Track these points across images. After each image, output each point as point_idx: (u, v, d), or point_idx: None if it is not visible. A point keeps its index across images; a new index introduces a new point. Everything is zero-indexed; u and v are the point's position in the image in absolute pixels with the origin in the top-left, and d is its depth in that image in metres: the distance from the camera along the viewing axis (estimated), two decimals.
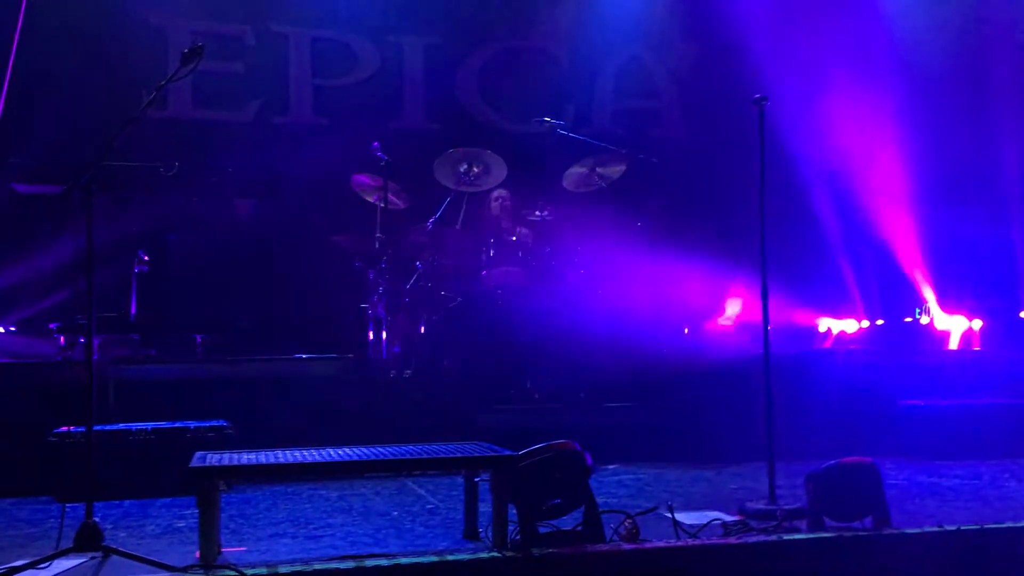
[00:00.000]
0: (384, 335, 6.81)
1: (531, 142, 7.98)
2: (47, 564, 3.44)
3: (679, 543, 3.72)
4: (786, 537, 3.80)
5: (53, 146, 6.95)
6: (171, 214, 7.06)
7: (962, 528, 3.91)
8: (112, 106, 7.32)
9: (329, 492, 5.10)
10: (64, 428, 5.05)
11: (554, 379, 6.69)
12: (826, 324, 9.27)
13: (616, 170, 7.43)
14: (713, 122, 9.16)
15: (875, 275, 9.17)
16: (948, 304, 8.73)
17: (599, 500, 3.86)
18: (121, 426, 5.25)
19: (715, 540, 3.76)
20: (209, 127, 8.46)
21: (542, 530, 3.71)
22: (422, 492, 5.09)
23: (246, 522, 4.38)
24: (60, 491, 4.87)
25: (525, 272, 7.09)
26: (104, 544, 3.58)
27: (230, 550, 3.75)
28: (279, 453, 3.93)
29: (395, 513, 4.54)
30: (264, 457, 3.83)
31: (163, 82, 3.92)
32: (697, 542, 3.74)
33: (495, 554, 3.57)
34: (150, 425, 5.25)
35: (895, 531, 3.89)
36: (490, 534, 3.75)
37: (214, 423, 5.32)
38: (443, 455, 3.89)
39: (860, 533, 3.86)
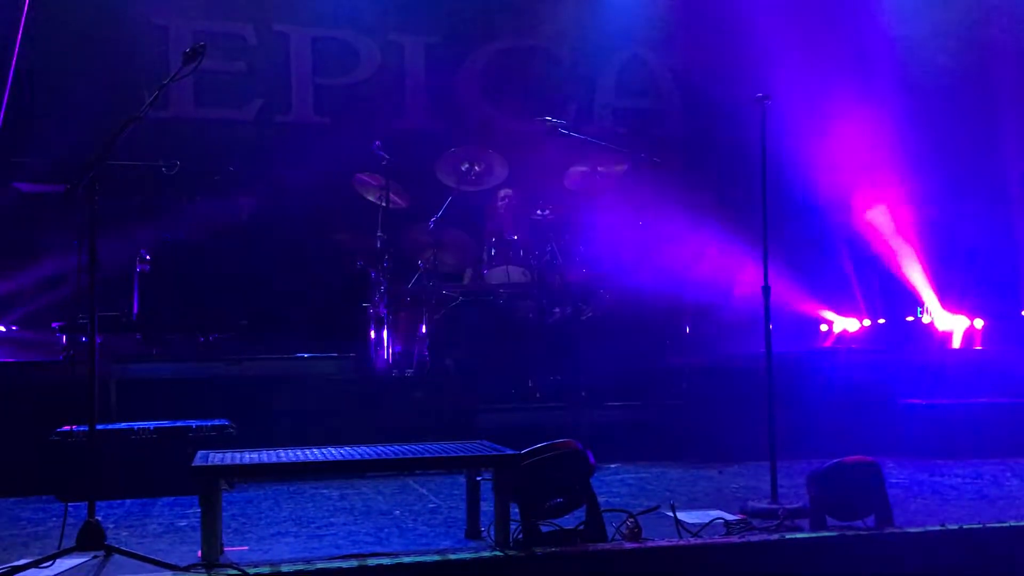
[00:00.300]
0: (386, 334, 6.81)
1: (533, 141, 7.97)
2: (50, 563, 3.45)
3: (681, 542, 3.72)
4: (788, 536, 3.80)
5: (55, 145, 6.94)
6: (173, 213, 7.05)
7: (964, 527, 3.91)
8: (114, 105, 7.32)
9: (331, 491, 5.11)
10: (66, 427, 5.06)
11: (556, 378, 6.69)
12: (830, 317, 9.26)
13: (618, 169, 7.43)
14: (715, 121, 9.15)
15: (876, 275, 9.17)
16: (950, 303, 8.72)
17: (601, 499, 3.86)
18: (123, 425, 5.25)
19: (717, 539, 3.76)
20: (211, 126, 8.47)
21: (544, 529, 3.71)
22: (424, 491, 5.09)
23: (248, 521, 4.38)
24: (62, 490, 4.88)
25: (526, 271, 7.09)
26: (106, 543, 3.58)
27: (232, 549, 3.75)
28: (281, 452, 3.93)
29: (397, 512, 4.54)
30: (266, 456, 3.83)
31: (165, 81, 3.93)
32: (699, 541, 3.74)
33: (497, 553, 3.57)
34: (152, 424, 5.26)
35: (897, 530, 3.89)
36: (492, 533, 3.75)
37: (216, 422, 5.33)
38: (445, 454, 3.89)
39: (862, 532, 3.86)
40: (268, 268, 7.86)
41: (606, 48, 9.44)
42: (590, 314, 6.96)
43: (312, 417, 5.79)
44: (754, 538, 3.76)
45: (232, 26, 8.65)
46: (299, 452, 3.94)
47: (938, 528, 3.91)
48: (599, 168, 7.39)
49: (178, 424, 5.27)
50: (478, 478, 4.00)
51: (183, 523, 4.35)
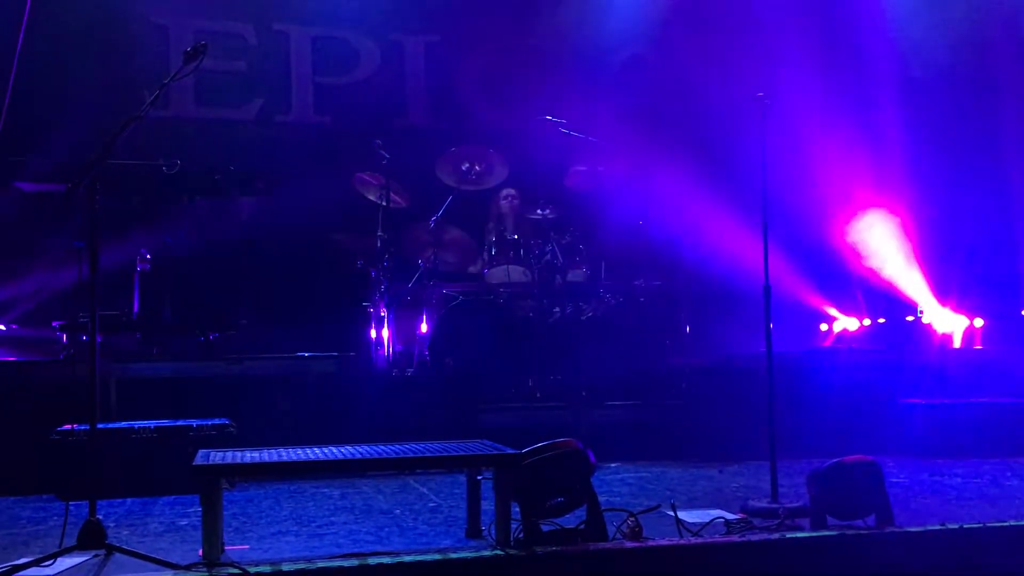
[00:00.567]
0: (386, 333, 6.81)
1: (533, 140, 7.97)
2: (51, 562, 3.45)
3: (682, 541, 3.72)
4: (789, 535, 3.80)
5: (56, 144, 6.94)
6: (173, 213, 7.05)
7: (965, 527, 3.91)
8: (114, 104, 7.31)
9: (331, 490, 5.11)
10: (67, 426, 5.06)
11: (556, 377, 6.69)
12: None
13: (618, 168, 7.43)
14: (717, 120, 9.14)
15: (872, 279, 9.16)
16: (950, 303, 8.72)
17: (601, 498, 3.87)
18: (123, 424, 5.26)
19: (718, 538, 3.76)
20: (211, 126, 8.46)
21: (545, 528, 3.71)
22: (424, 490, 5.09)
23: (249, 520, 4.38)
24: (63, 489, 4.87)
25: (527, 270, 7.10)
26: (107, 542, 3.58)
27: (233, 548, 3.75)
28: (282, 451, 3.93)
29: (397, 511, 4.54)
30: (267, 455, 3.84)
31: (166, 81, 3.92)
32: (700, 540, 3.74)
33: (498, 552, 3.57)
34: (152, 423, 5.26)
35: (898, 529, 3.89)
36: (493, 532, 3.75)
37: (216, 421, 5.33)
38: (446, 453, 3.89)
39: (863, 531, 3.86)
40: (268, 267, 7.85)
41: (607, 47, 9.43)
42: (590, 314, 6.96)
43: (312, 416, 5.80)
44: (755, 537, 3.76)
45: (232, 25, 8.64)
46: (300, 451, 3.94)
47: (938, 527, 3.90)
48: (600, 167, 7.39)
49: (178, 423, 5.27)
50: (479, 477, 4.00)
51: (184, 522, 4.35)
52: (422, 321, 6.93)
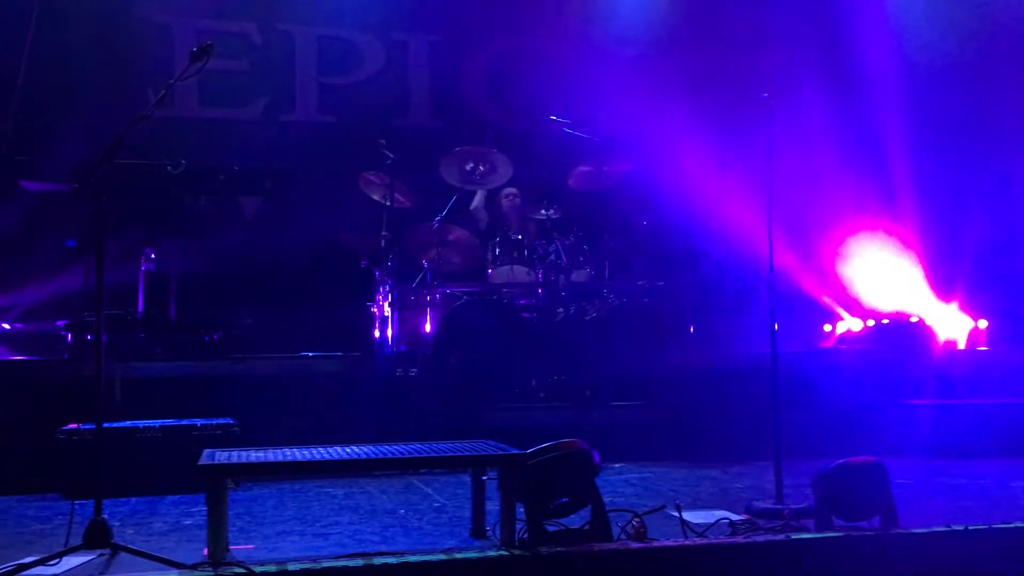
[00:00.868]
0: (390, 333, 6.81)
1: (537, 140, 7.97)
2: (56, 561, 3.45)
3: (687, 542, 3.73)
4: (794, 536, 3.79)
5: (61, 144, 6.95)
6: (178, 212, 7.06)
7: (969, 528, 3.90)
8: (119, 104, 7.33)
9: (336, 490, 5.11)
10: (72, 425, 5.07)
11: (560, 378, 6.69)
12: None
13: (623, 168, 7.43)
14: (719, 120, 9.13)
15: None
16: (954, 304, 8.70)
17: (606, 499, 3.87)
18: (128, 424, 5.26)
19: (723, 539, 3.77)
20: (215, 125, 8.46)
21: (549, 528, 3.72)
22: (428, 491, 5.09)
23: (254, 520, 4.38)
24: (68, 488, 4.88)
25: (530, 270, 7.10)
26: (112, 541, 3.59)
27: (238, 548, 3.75)
28: (286, 451, 3.93)
29: (402, 511, 4.54)
30: (272, 455, 3.84)
31: (172, 81, 3.93)
32: (705, 541, 3.74)
33: (503, 552, 3.57)
34: (157, 423, 5.27)
35: (903, 531, 3.88)
36: (497, 532, 3.75)
37: (221, 421, 5.33)
38: (451, 454, 3.89)
39: (868, 532, 3.86)
40: (272, 267, 7.86)
41: (610, 46, 9.42)
42: (594, 314, 6.96)
43: (317, 416, 5.80)
44: (759, 538, 3.76)
45: (236, 25, 8.64)
46: (304, 451, 3.94)
47: (943, 529, 3.90)
48: (604, 167, 7.39)
49: (183, 423, 5.27)
50: (483, 477, 4.00)
51: (189, 521, 4.36)
52: (426, 321, 6.93)
